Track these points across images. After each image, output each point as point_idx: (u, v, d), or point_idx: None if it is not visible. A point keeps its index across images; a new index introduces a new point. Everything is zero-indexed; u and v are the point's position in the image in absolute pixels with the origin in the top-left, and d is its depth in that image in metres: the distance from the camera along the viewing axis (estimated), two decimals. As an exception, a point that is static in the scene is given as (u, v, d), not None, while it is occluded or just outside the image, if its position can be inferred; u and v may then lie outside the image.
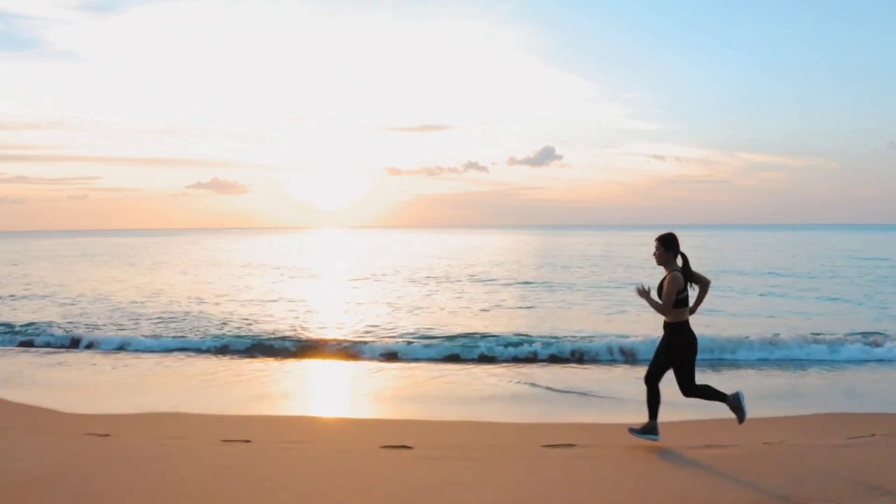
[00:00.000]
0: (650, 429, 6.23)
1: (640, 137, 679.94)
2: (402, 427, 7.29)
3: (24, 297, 22.43)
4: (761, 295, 21.94)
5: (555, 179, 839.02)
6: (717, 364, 11.26)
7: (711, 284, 6.24)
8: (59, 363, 11.89)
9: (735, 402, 6.11)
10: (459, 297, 21.77)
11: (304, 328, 15.02)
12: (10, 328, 15.00)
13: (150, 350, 12.86)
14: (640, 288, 6.17)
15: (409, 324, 15.58)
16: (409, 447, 6.13)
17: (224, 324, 15.60)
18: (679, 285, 5.94)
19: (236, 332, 14.51)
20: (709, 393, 6.17)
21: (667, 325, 6.10)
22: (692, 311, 6.12)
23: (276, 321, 16.12)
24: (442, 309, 18.81)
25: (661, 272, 6.18)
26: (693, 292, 6.13)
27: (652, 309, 6.10)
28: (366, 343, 12.92)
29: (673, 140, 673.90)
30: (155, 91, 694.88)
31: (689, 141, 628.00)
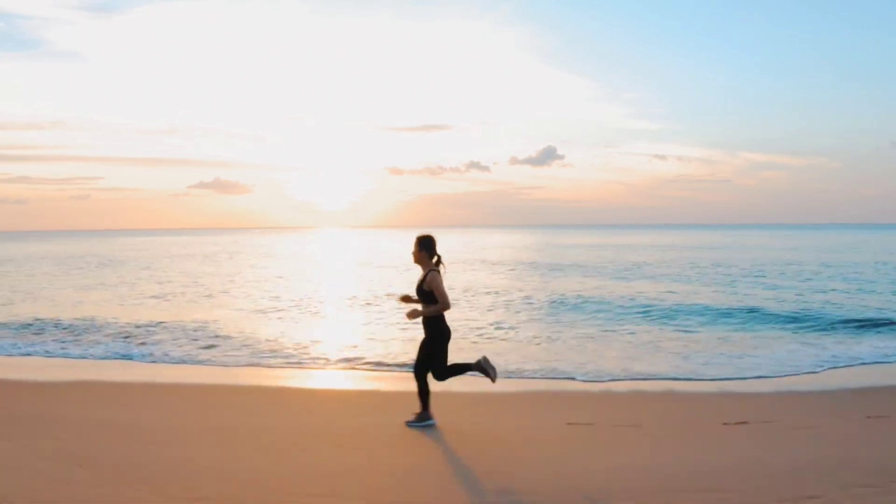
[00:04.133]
0: (425, 417, 6.65)
1: (641, 137, 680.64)
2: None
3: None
4: None
5: (556, 179, 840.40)
6: None
7: None
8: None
9: (481, 367, 6.57)
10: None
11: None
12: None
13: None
14: (410, 313, 6.42)
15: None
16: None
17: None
18: (441, 280, 6.38)
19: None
20: (459, 368, 6.58)
21: (427, 320, 6.44)
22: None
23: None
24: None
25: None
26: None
27: (434, 314, 6.33)
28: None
29: (674, 140, 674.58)
30: (156, 91, 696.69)
31: (690, 140, 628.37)
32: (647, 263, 37.11)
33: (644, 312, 16.60)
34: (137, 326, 14.77)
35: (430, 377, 6.61)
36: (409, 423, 6.69)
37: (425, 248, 6.46)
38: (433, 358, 6.52)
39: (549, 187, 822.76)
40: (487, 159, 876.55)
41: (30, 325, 15.13)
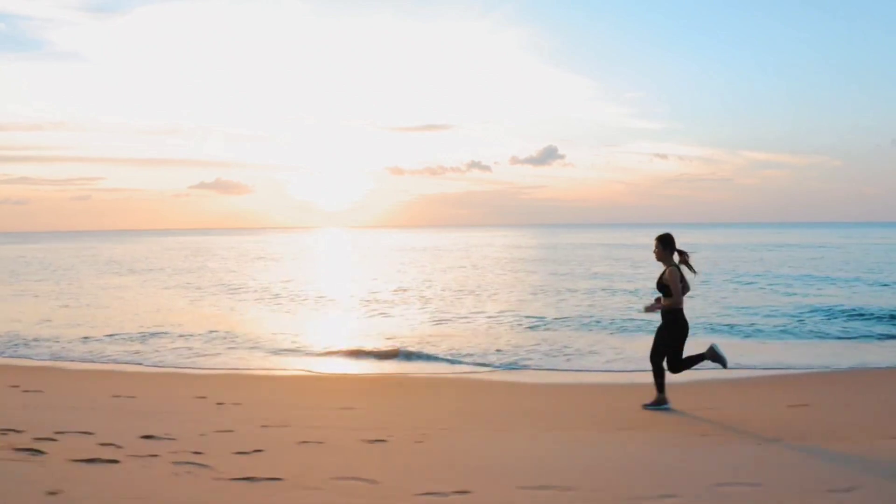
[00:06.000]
0: (661, 401, 7.10)
1: (642, 137, 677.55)
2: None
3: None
4: None
5: (557, 179, 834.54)
6: None
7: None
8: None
9: (713, 354, 6.98)
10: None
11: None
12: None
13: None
14: (647, 307, 7.13)
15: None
16: None
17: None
18: (678, 277, 6.89)
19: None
20: (692, 360, 7.04)
21: (666, 312, 6.90)
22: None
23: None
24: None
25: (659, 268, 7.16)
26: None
27: (666, 308, 6.85)
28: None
29: (675, 139, 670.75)
30: (157, 91, 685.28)
31: (691, 140, 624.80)
32: (811, 261, 36.00)
33: None
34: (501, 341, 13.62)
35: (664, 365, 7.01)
36: (646, 406, 7.16)
37: (668, 247, 6.98)
38: (667, 347, 6.93)
39: (551, 187, 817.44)
40: (488, 159, 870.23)
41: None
